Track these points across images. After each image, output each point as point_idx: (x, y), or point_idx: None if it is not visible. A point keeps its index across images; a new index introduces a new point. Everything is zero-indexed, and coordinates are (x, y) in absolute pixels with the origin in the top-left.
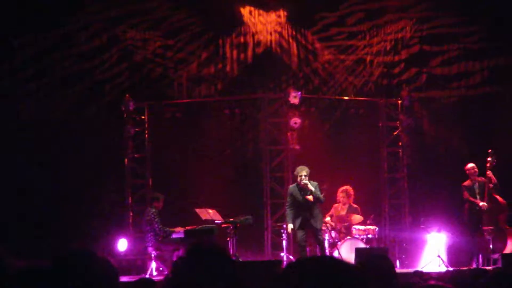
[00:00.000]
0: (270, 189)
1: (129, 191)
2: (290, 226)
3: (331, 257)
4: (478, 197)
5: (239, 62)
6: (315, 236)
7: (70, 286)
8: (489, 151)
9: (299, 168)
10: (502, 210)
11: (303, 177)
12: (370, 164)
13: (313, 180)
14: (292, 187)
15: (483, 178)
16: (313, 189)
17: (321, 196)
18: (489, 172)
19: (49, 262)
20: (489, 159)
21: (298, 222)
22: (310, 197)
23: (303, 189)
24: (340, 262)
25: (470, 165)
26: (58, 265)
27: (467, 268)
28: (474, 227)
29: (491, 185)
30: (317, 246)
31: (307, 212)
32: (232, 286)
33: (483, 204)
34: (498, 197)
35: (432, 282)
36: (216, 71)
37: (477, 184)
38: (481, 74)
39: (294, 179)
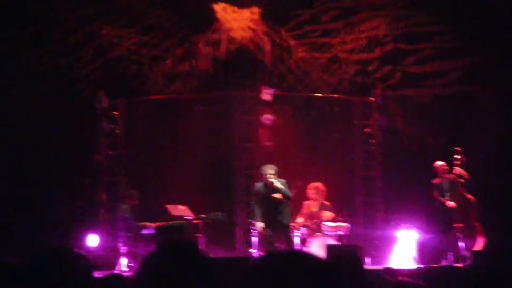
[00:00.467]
0: (241, 186)
1: (102, 187)
2: (260, 224)
3: (300, 251)
4: (447, 194)
5: (213, 59)
6: (284, 232)
7: (47, 282)
8: (457, 148)
9: (265, 167)
10: (472, 207)
11: (269, 175)
12: (344, 162)
13: (286, 178)
14: (258, 185)
15: (453, 176)
16: (281, 187)
17: (289, 192)
18: (458, 169)
19: (24, 258)
20: (457, 156)
21: (266, 220)
22: (278, 195)
23: (271, 188)
24: (309, 256)
25: (439, 163)
26: (36, 261)
27: (437, 265)
28: (444, 224)
29: (463, 180)
30: (286, 242)
31: (275, 210)
32: (202, 282)
33: (451, 204)
34: (467, 194)
35: (402, 278)
36: (191, 68)
37: (446, 181)
38: (455, 73)
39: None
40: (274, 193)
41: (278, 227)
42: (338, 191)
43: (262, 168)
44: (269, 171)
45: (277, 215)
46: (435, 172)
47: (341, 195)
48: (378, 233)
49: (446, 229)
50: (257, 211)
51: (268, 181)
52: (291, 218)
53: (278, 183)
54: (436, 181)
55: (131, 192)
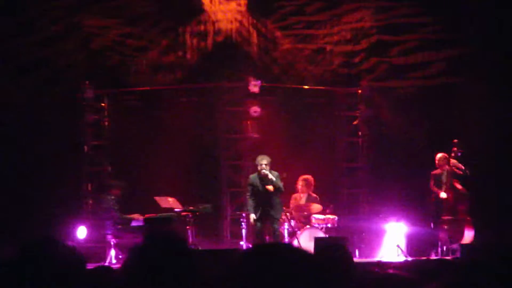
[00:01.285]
0: (228, 178)
1: (88, 178)
2: (252, 216)
3: (287, 244)
4: (444, 186)
5: (199, 50)
6: (271, 225)
7: (37, 275)
8: (455, 141)
9: (259, 157)
10: (463, 200)
11: (263, 166)
12: (329, 153)
13: (272, 170)
14: (252, 176)
15: (450, 168)
16: (274, 178)
17: (282, 186)
18: (454, 161)
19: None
20: (454, 149)
21: (258, 212)
22: (270, 187)
23: (264, 179)
24: (296, 249)
25: (439, 155)
26: (25, 253)
27: (426, 258)
28: (436, 216)
29: (461, 173)
30: (272, 236)
31: (267, 202)
32: (189, 274)
33: (442, 195)
34: (459, 186)
35: (390, 271)
36: (176, 59)
37: (445, 173)
38: (439, 64)
39: (255, 168)
40: (267, 184)
41: (268, 220)
42: (323, 183)
43: (256, 159)
44: (263, 161)
45: (268, 207)
46: (420, 164)
47: (326, 186)
48: (366, 225)
49: (436, 221)
50: (250, 202)
51: (262, 172)
52: (281, 211)
53: (270, 175)
54: (435, 172)
55: (114, 182)
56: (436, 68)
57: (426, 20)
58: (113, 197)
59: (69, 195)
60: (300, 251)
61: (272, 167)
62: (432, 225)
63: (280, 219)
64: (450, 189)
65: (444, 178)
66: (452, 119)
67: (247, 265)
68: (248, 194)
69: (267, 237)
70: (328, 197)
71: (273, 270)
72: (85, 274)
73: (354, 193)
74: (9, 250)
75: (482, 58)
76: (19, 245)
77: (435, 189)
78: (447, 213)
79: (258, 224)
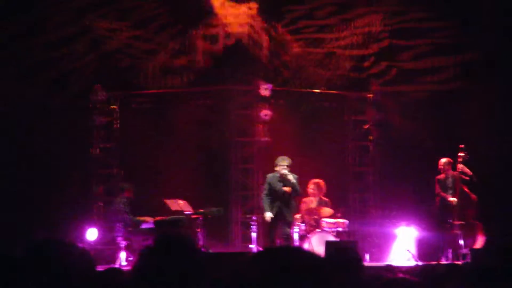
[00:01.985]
0: (239, 181)
1: (98, 181)
2: (268, 214)
3: (298, 247)
4: (450, 191)
5: (209, 53)
6: (283, 228)
7: (45, 276)
8: (461, 146)
9: (280, 158)
10: (472, 205)
11: (284, 167)
12: (339, 157)
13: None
14: (270, 175)
15: (456, 173)
16: (294, 180)
17: (299, 188)
18: (461, 166)
19: (21, 251)
20: (461, 154)
21: (273, 212)
22: (288, 189)
23: (282, 180)
24: (306, 252)
25: (444, 160)
26: (33, 254)
27: (436, 262)
28: (444, 221)
29: (467, 178)
30: (284, 238)
31: (283, 203)
32: (198, 277)
33: (453, 200)
34: (469, 192)
35: (399, 275)
36: (186, 62)
37: (450, 178)
38: (450, 69)
39: (265, 171)
40: (285, 185)
41: (281, 222)
42: (333, 187)
43: (277, 159)
44: (284, 162)
45: (285, 210)
46: (429, 168)
47: (336, 190)
48: (377, 229)
49: (445, 226)
50: (265, 201)
51: (282, 173)
52: (294, 215)
53: (290, 176)
54: (440, 176)
55: (126, 185)
56: (447, 73)
57: (437, 25)
58: (124, 200)
59: (79, 197)
60: (310, 254)
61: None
62: (441, 229)
63: (292, 223)
64: (459, 194)
65: (449, 183)
66: (463, 124)
67: (256, 268)
68: (265, 193)
69: (278, 241)
70: (338, 201)
71: (282, 273)
72: (94, 276)
73: (364, 197)
74: (21, 251)
75: (494, 63)
76: (27, 245)
77: (443, 194)
78: (458, 217)
79: (272, 223)
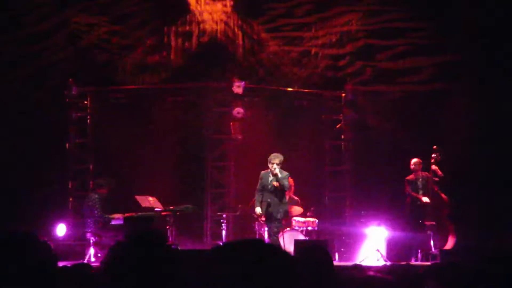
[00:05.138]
0: (212, 178)
1: (71, 176)
2: (258, 210)
3: (259, 240)
4: (420, 192)
5: (184, 50)
6: (270, 225)
7: (7, 269)
8: (434, 147)
9: (272, 155)
10: (445, 206)
11: (275, 165)
12: (313, 156)
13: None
14: (263, 173)
15: (427, 173)
16: (280, 175)
17: (286, 185)
18: (434, 167)
19: None
20: (433, 155)
21: (262, 208)
22: (276, 183)
23: (275, 177)
24: (268, 246)
25: (414, 160)
26: None
27: (406, 262)
28: (415, 221)
29: (437, 179)
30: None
31: (273, 200)
32: (169, 273)
33: (425, 200)
34: (441, 193)
35: (370, 274)
36: (161, 59)
37: (420, 179)
38: (426, 70)
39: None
40: (275, 182)
41: (269, 219)
42: (306, 186)
43: (269, 156)
44: (275, 160)
45: (273, 206)
46: (405, 169)
47: (309, 189)
48: (347, 229)
49: (417, 226)
50: (258, 197)
51: (273, 170)
52: (282, 213)
53: (277, 171)
54: (410, 177)
55: (100, 181)
56: (423, 74)
57: (415, 25)
58: (97, 196)
59: (52, 193)
60: (271, 247)
61: (257, 168)
62: (412, 230)
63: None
64: (431, 195)
65: (419, 184)
66: (438, 125)
67: (218, 261)
68: (257, 188)
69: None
70: (312, 200)
71: (243, 266)
72: (60, 271)
73: (337, 196)
74: None
75: (471, 64)
76: None
77: (414, 194)
78: (430, 218)
79: (261, 219)
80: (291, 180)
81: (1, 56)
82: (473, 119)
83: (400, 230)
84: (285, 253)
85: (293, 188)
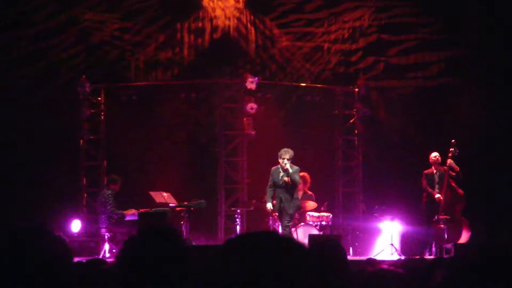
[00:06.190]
0: (225, 174)
1: (84, 172)
2: (269, 205)
3: (273, 232)
4: (436, 186)
5: (196, 46)
6: (283, 220)
7: (23, 264)
8: (452, 141)
9: (282, 151)
10: (459, 200)
11: (285, 160)
12: (325, 151)
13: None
14: (274, 168)
15: (444, 168)
16: (291, 170)
17: (297, 179)
18: (450, 161)
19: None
20: (451, 149)
21: (275, 203)
22: (287, 178)
23: (285, 172)
24: (282, 238)
25: (434, 154)
26: (13, 242)
27: (419, 257)
28: (430, 216)
29: (453, 173)
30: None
31: (284, 195)
32: (182, 268)
33: (438, 197)
34: (456, 187)
35: (383, 267)
36: (173, 55)
37: (438, 173)
38: (438, 65)
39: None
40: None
41: (280, 214)
42: (319, 181)
43: (279, 152)
44: (286, 155)
45: (285, 201)
46: (417, 164)
47: (322, 184)
48: (361, 224)
49: (430, 221)
50: (269, 193)
51: (284, 165)
52: (294, 208)
53: (288, 166)
54: (428, 171)
55: (113, 177)
56: (435, 69)
57: (425, 21)
58: (110, 192)
59: (65, 189)
60: (286, 239)
61: (270, 163)
62: (426, 224)
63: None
64: (447, 189)
65: (436, 178)
66: (449, 119)
67: (232, 252)
68: (269, 184)
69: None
70: (324, 195)
71: (257, 258)
72: (71, 266)
73: (349, 191)
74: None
75: (481, 59)
76: (9, 233)
77: (429, 189)
78: (444, 212)
79: (278, 215)
80: (307, 175)
81: (11, 53)
82: (483, 114)
83: (414, 224)
84: (300, 244)
85: (308, 183)
